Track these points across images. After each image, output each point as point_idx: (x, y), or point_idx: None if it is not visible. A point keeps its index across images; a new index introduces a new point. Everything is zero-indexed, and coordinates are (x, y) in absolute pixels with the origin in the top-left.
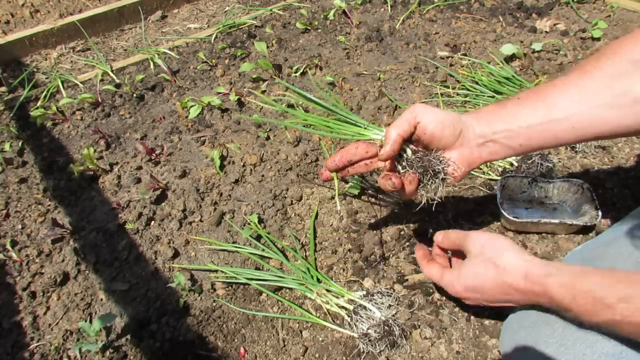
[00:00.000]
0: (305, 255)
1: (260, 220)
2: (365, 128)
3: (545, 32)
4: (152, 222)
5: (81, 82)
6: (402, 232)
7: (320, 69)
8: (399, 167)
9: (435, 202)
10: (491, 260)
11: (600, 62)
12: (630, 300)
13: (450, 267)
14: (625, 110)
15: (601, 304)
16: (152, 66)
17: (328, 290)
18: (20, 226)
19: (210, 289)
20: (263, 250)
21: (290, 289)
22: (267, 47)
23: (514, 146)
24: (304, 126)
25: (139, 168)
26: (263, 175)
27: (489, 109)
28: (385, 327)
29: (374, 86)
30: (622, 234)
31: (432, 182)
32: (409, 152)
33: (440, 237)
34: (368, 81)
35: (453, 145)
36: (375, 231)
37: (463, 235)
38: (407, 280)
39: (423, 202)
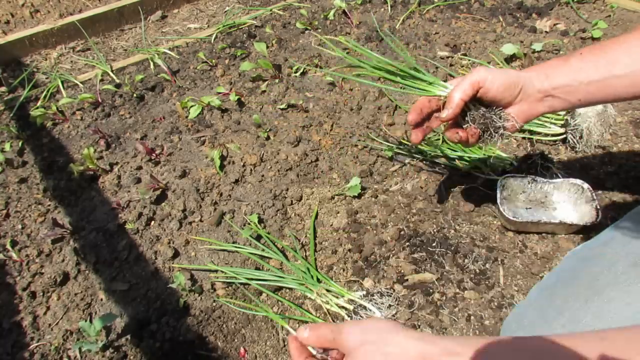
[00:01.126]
0: (305, 255)
1: (260, 220)
2: (429, 84)
3: (545, 32)
4: (152, 222)
5: (81, 82)
6: (402, 232)
7: (320, 68)
8: (462, 121)
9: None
10: (379, 351)
11: None
12: None
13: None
14: None
15: None
16: (152, 66)
17: (328, 290)
18: (20, 226)
19: (210, 289)
20: (263, 250)
21: (290, 289)
22: (267, 47)
23: (573, 101)
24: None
25: (139, 168)
26: (263, 175)
27: (552, 63)
28: None
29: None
30: (619, 233)
31: (491, 136)
32: (472, 108)
33: (305, 333)
34: None
35: (513, 102)
36: (375, 231)
37: (336, 330)
38: (407, 280)
39: (483, 150)
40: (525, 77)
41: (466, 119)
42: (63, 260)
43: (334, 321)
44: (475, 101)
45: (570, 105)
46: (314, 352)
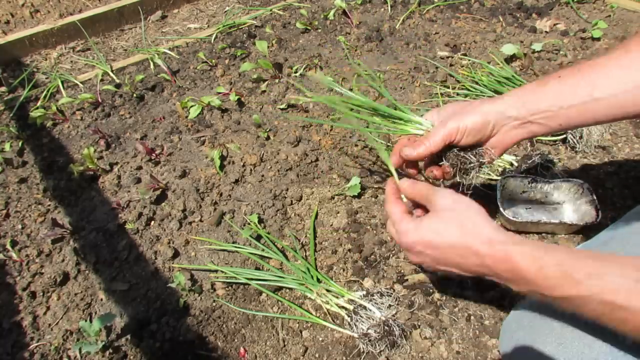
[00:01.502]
0: (305, 255)
1: (260, 220)
2: (405, 122)
3: (545, 32)
4: (152, 222)
5: (81, 82)
6: None
7: (321, 68)
8: (437, 159)
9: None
10: (458, 219)
11: None
12: (601, 277)
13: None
14: None
15: (570, 278)
16: (152, 66)
17: (328, 290)
18: (20, 226)
19: (210, 289)
20: (263, 250)
21: (290, 289)
22: (267, 47)
23: (553, 126)
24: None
25: (139, 168)
26: (263, 175)
27: (528, 88)
28: (385, 327)
29: (373, 86)
30: (619, 233)
31: (466, 174)
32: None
33: (406, 184)
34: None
35: (488, 138)
36: (375, 231)
37: (432, 189)
38: (407, 280)
39: (463, 185)
40: (496, 113)
41: (442, 155)
42: (63, 260)
43: (333, 321)
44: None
45: (550, 130)
46: (404, 200)
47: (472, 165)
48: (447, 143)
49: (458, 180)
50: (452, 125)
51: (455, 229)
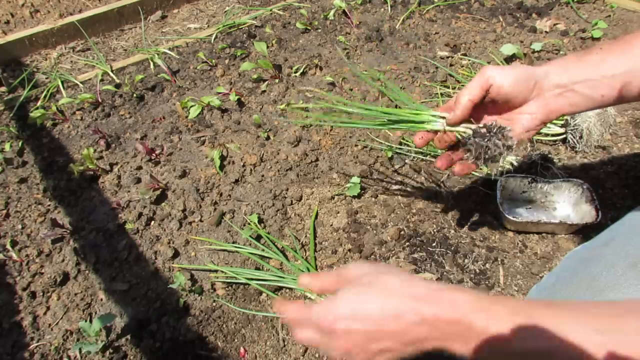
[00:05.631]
0: (305, 255)
1: (260, 220)
2: (421, 123)
3: (545, 32)
4: (152, 222)
5: (81, 82)
6: (402, 232)
7: (320, 69)
8: (462, 146)
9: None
10: (382, 279)
11: None
12: (563, 328)
13: None
14: None
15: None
16: (152, 66)
17: None
18: (20, 226)
19: (210, 289)
20: (263, 250)
21: (290, 289)
22: (267, 47)
23: (596, 97)
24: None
25: (139, 168)
26: (263, 175)
27: (571, 58)
28: None
29: (374, 86)
30: (619, 234)
31: (492, 162)
32: (469, 132)
33: (306, 277)
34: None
35: (529, 97)
36: (375, 231)
37: (339, 268)
38: None
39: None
40: (541, 71)
41: (464, 141)
42: (63, 260)
43: None
44: (488, 105)
45: (593, 103)
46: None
47: (495, 155)
48: (485, 89)
49: (484, 168)
50: (490, 70)
51: (382, 288)
